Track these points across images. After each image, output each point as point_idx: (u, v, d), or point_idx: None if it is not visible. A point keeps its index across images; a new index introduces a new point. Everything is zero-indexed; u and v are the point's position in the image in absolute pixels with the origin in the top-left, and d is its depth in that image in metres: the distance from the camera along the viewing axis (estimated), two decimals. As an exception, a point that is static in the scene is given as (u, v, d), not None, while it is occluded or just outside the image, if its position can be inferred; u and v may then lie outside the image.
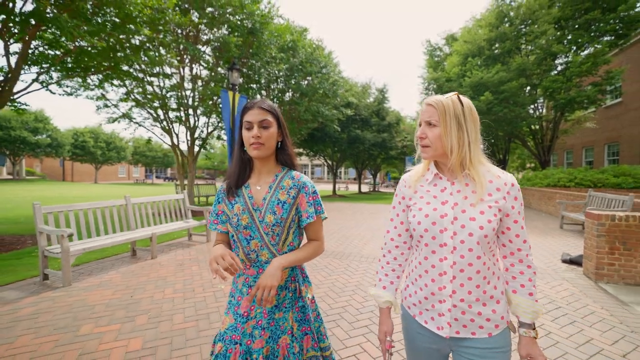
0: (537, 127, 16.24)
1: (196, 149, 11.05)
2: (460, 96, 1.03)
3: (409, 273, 1.15)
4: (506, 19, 13.91)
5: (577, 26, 12.26)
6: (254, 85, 12.07)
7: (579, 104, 12.77)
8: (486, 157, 1.08)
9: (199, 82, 10.51)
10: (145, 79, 8.91)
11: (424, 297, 1.06)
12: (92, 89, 8.87)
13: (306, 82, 13.02)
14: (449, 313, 1.02)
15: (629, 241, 3.88)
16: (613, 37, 11.80)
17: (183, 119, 10.22)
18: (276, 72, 11.72)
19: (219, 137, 12.00)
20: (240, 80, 9.84)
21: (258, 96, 12.58)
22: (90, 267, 4.44)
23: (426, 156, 1.08)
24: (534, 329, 1.04)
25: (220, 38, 8.92)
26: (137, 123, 10.40)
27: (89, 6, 4.71)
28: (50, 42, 5.26)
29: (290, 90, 13.13)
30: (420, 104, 1.04)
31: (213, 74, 10.20)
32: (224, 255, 1.05)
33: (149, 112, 10.02)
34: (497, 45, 14.19)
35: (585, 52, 12.59)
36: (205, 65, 10.16)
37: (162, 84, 9.67)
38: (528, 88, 14.28)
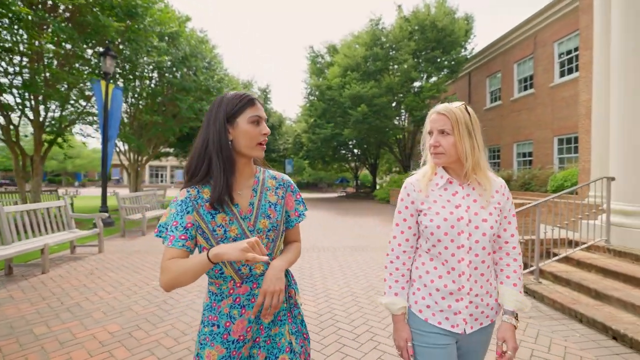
0: (401, 136, 21.13)
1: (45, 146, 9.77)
2: (467, 106, 1.18)
3: (419, 277, 1.24)
4: (378, 42, 17.71)
5: (427, 59, 16.93)
6: (120, 71, 11.51)
7: (427, 121, 17.68)
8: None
9: (54, 63, 9.41)
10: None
11: (441, 297, 1.18)
12: None
13: (180, 74, 13.07)
14: (465, 310, 1.16)
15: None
16: (449, 72, 16.92)
17: (28, 105, 8.95)
18: (156, 63, 11.53)
19: (86, 134, 10.85)
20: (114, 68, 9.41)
21: (121, 83, 11.88)
22: (-36, 288, 4.08)
23: (439, 162, 1.20)
24: (516, 318, 1.18)
25: (92, 18, 8.42)
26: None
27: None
28: None
29: (169, 84, 12.99)
30: (429, 113, 1.22)
31: (72, 54, 9.33)
32: (244, 242, 0.93)
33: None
34: (371, 62, 17.85)
35: (432, 80, 17.51)
36: (59, 40, 9.17)
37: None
38: (394, 104, 18.56)
